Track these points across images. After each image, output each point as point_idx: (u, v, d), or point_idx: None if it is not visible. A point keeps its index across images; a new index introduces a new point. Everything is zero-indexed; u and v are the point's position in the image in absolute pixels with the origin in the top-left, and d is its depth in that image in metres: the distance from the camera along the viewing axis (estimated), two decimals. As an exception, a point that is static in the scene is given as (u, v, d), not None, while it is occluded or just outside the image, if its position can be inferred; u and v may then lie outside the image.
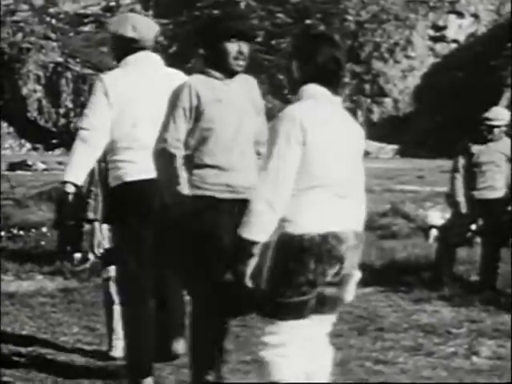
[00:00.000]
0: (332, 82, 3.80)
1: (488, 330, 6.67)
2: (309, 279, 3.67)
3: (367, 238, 4.35)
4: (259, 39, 54.85)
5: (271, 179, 3.61)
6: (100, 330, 6.46)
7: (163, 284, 4.86)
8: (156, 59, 4.94)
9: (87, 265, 9.21)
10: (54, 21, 62.43)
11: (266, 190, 3.61)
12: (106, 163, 5.02)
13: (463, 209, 8.43)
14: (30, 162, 38.12)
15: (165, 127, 4.28)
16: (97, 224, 6.18)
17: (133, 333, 4.85)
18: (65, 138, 56.05)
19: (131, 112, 4.74)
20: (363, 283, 3.99)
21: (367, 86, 58.00)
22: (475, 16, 59.46)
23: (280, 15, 59.01)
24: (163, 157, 4.25)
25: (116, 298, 5.64)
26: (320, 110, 3.72)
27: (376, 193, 18.82)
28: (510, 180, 8.44)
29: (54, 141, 57.27)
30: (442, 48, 58.54)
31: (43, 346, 6.09)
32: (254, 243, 3.63)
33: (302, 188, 3.67)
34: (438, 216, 12.77)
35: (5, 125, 58.15)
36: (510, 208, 8.40)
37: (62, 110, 58.69)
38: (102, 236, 6.14)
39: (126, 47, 4.87)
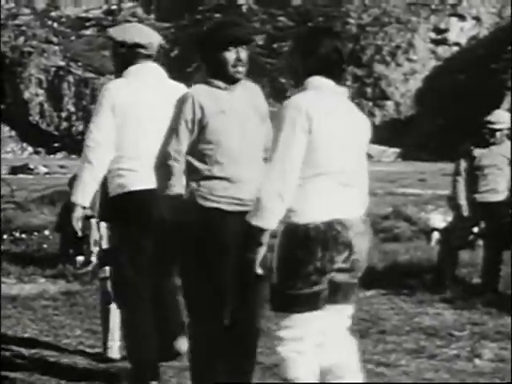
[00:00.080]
0: (335, 74, 3.82)
1: (490, 332, 6.67)
2: (317, 267, 3.67)
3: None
4: (261, 42, 54.86)
5: (278, 168, 3.62)
6: (102, 333, 6.47)
7: (159, 290, 4.86)
8: (160, 71, 4.94)
9: (89, 268, 9.21)
10: (55, 24, 62.54)
11: (273, 179, 3.62)
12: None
13: (465, 212, 8.44)
14: (31, 166, 38.20)
15: (167, 139, 4.26)
16: (94, 221, 6.16)
17: (133, 336, 4.85)
18: (66, 142, 56.12)
19: (134, 122, 4.74)
20: (365, 286, 3.99)
21: (369, 89, 58.05)
22: (477, 19, 59.50)
23: (282, 18, 59.11)
24: (164, 169, 4.23)
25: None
26: (325, 100, 3.74)
27: (378, 196, 18.84)
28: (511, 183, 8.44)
29: (56, 144, 57.33)
30: (444, 51, 58.59)
31: (46, 349, 6.09)
32: (263, 231, 3.64)
33: (307, 177, 3.69)
34: (439, 219, 12.77)
35: (7, 128, 58.25)
36: (511, 211, 8.41)
37: (63, 114, 58.77)
38: (100, 234, 6.13)
39: (129, 55, 4.85)
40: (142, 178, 4.66)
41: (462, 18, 59.48)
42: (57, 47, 59.82)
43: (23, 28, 59.88)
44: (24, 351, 5.99)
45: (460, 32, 59.27)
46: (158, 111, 4.68)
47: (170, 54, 55.04)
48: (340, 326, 3.88)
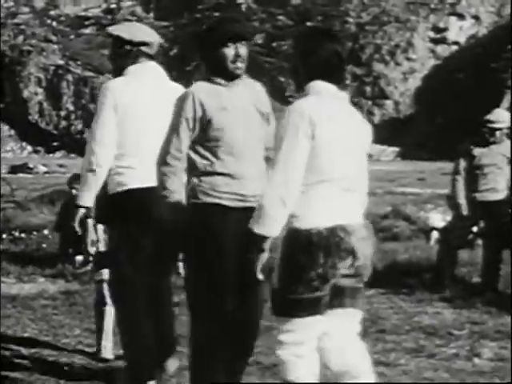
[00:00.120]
0: (336, 77, 3.81)
1: (490, 331, 6.67)
2: (319, 273, 3.66)
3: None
4: (260, 41, 54.85)
5: (281, 174, 3.61)
6: (101, 333, 6.47)
7: (157, 295, 4.85)
8: (160, 70, 4.94)
9: (89, 267, 9.21)
10: (54, 23, 62.52)
11: (276, 185, 3.61)
12: None
13: (464, 211, 8.44)
14: (31, 165, 38.21)
15: (168, 138, 4.26)
16: (90, 221, 6.14)
17: (131, 335, 4.84)
18: (66, 141, 56.11)
19: (135, 120, 4.73)
20: (365, 285, 3.99)
21: (368, 88, 58.05)
22: (476, 18, 59.51)
23: (281, 17, 59.10)
24: (165, 167, 4.23)
25: (109, 300, 5.65)
26: (326, 105, 3.73)
27: (377, 195, 18.85)
28: (511, 182, 8.44)
29: (55, 143, 57.32)
30: (443, 50, 58.60)
31: (45, 348, 6.10)
32: (265, 238, 3.63)
33: (310, 183, 3.68)
34: (439, 218, 12.78)
35: (6, 128, 58.24)
36: (511, 210, 8.41)
37: (62, 113, 58.74)
38: (96, 235, 6.13)
39: (133, 53, 4.84)
40: (142, 177, 4.66)
41: (461, 17, 59.48)
42: (56, 46, 59.79)
43: (22, 27, 59.86)
44: (23, 351, 5.99)
45: (459, 31, 59.27)
46: (159, 110, 4.68)
47: (169, 53, 55.04)
48: (349, 331, 3.86)
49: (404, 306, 7.75)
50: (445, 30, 59.20)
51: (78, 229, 4.82)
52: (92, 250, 6.15)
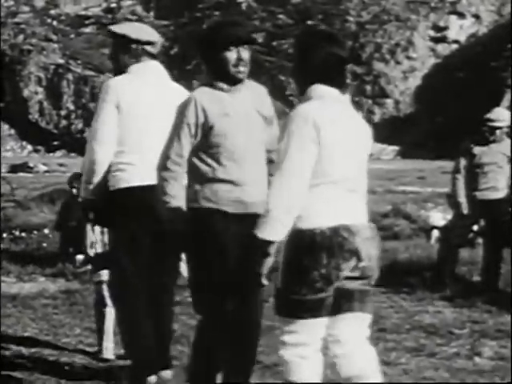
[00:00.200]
0: (337, 80, 3.80)
1: (490, 330, 6.67)
2: (322, 274, 3.64)
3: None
4: (260, 40, 54.82)
5: (287, 180, 3.59)
6: (102, 332, 6.47)
7: (157, 295, 4.85)
8: (162, 69, 4.94)
9: (89, 266, 9.21)
10: (55, 22, 62.48)
11: (283, 193, 3.59)
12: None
13: (465, 210, 8.44)
14: (31, 164, 38.20)
15: (169, 143, 4.24)
16: (88, 224, 6.14)
17: (131, 334, 4.84)
18: (66, 140, 56.11)
19: (137, 119, 4.73)
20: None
21: (368, 87, 58.03)
22: (476, 16, 59.47)
23: (281, 16, 59.06)
24: (165, 173, 4.22)
25: (108, 301, 5.65)
26: (329, 108, 3.73)
27: (377, 194, 18.84)
28: (511, 181, 8.44)
29: (55, 142, 57.30)
30: (443, 49, 58.56)
31: (45, 348, 6.10)
32: (270, 243, 3.62)
33: (313, 184, 3.66)
34: (439, 217, 12.78)
35: (6, 127, 58.21)
36: (511, 208, 8.41)
37: (63, 112, 58.71)
38: (95, 237, 6.13)
39: (138, 52, 4.83)
40: (143, 174, 4.65)
41: (461, 15, 59.46)
42: (56, 45, 59.78)
43: (22, 26, 59.85)
44: (24, 350, 6.00)
45: (459, 30, 59.25)
46: (161, 109, 4.68)
47: (169, 52, 55.02)
48: (359, 335, 3.85)
49: (404, 305, 7.75)
50: (445, 28, 59.18)
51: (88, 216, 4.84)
52: (91, 252, 6.15)
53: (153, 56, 4.90)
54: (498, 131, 8.46)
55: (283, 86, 52.58)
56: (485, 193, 8.47)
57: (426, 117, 53.42)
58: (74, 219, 9.51)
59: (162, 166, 4.23)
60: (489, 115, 8.54)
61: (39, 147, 57.20)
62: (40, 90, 58.69)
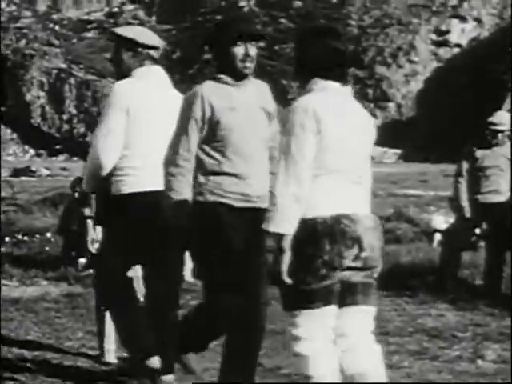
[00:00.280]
0: (338, 74, 3.82)
1: (493, 333, 6.67)
2: (325, 261, 3.65)
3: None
4: (262, 44, 54.86)
5: (292, 172, 3.62)
6: (104, 335, 6.47)
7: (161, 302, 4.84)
8: (164, 75, 4.94)
9: (91, 270, 9.22)
10: (57, 27, 62.53)
11: (289, 183, 3.61)
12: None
13: (467, 213, 8.44)
14: (33, 168, 38.19)
15: (176, 139, 4.25)
16: (90, 221, 6.13)
17: (126, 327, 4.81)
18: (68, 144, 56.13)
19: (142, 123, 4.72)
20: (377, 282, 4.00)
21: (370, 91, 58.03)
22: (478, 20, 59.50)
23: (283, 20, 59.08)
24: (173, 168, 4.22)
25: None
26: (330, 100, 3.76)
27: (379, 197, 18.82)
28: (513, 184, 8.45)
29: (58, 147, 57.30)
30: (445, 52, 58.57)
31: (48, 351, 6.10)
32: (281, 237, 3.62)
33: (315, 175, 3.69)
34: (441, 220, 12.77)
35: (8, 131, 58.25)
36: (513, 212, 8.40)
37: (65, 116, 58.73)
38: (96, 235, 6.12)
39: (142, 57, 4.83)
40: (146, 181, 4.65)
41: (463, 19, 59.44)
42: (58, 50, 59.80)
43: (25, 31, 59.89)
44: (26, 353, 6.00)
45: (461, 33, 59.22)
46: (164, 114, 4.68)
47: (171, 56, 55.05)
48: (364, 329, 3.88)
49: (407, 308, 7.75)
50: (447, 32, 59.15)
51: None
52: (92, 248, 6.13)
53: (155, 61, 4.91)
54: (500, 134, 8.47)
55: (285, 90, 52.59)
56: (487, 196, 8.47)
57: (428, 120, 53.39)
58: (77, 223, 9.53)
59: (171, 162, 4.23)
60: (491, 119, 8.56)
61: (41, 151, 57.20)
62: (42, 94, 58.71)
